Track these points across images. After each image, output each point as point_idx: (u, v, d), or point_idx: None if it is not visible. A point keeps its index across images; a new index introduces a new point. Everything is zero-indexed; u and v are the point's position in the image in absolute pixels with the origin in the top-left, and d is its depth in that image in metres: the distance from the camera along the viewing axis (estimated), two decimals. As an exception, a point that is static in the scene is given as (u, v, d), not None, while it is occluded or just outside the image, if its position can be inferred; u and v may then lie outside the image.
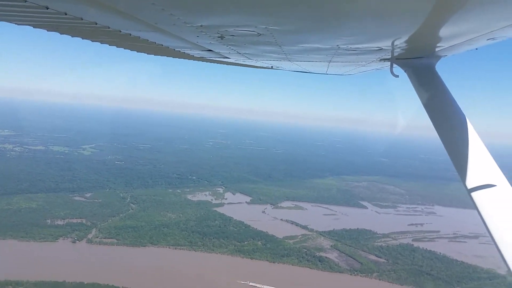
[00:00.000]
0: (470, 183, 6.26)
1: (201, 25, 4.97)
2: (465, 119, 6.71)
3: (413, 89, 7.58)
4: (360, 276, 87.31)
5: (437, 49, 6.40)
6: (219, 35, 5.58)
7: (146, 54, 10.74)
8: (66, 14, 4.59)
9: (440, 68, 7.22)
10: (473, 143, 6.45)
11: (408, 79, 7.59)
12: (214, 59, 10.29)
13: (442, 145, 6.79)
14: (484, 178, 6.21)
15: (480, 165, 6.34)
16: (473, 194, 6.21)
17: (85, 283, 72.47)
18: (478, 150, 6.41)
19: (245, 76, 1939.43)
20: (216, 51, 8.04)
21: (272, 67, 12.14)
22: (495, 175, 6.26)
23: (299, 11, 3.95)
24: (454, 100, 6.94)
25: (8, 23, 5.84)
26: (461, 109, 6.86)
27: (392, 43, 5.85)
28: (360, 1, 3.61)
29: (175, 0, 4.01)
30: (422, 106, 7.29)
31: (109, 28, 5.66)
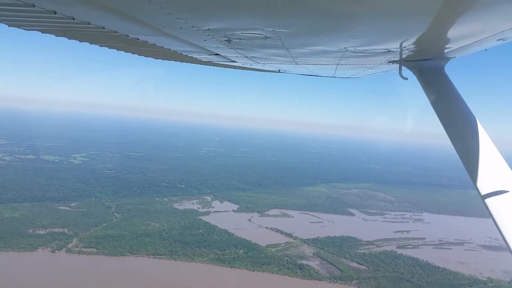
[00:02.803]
0: (483, 188, 6.18)
1: (208, 29, 5.00)
2: (476, 121, 6.65)
3: (419, 92, 7.53)
4: (339, 283, 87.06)
5: (446, 51, 6.35)
6: (226, 38, 5.63)
7: (153, 58, 10.73)
8: (74, 18, 4.65)
9: (449, 69, 7.21)
10: (485, 146, 6.37)
11: (417, 82, 7.56)
12: (221, 63, 10.32)
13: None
14: (498, 183, 6.11)
15: (493, 170, 6.24)
16: (487, 200, 6.13)
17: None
18: (490, 154, 6.33)
19: (244, 83, 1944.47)
20: (223, 55, 8.07)
21: (279, 70, 12.13)
22: (509, 179, 6.16)
23: (307, 14, 3.97)
24: (464, 102, 6.89)
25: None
26: (472, 111, 6.81)
27: (401, 45, 5.83)
28: (368, 2, 3.60)
29: (182, 4, 4.00)
30: (428, 109, 7.23)
31: (116, 32, 5.72)
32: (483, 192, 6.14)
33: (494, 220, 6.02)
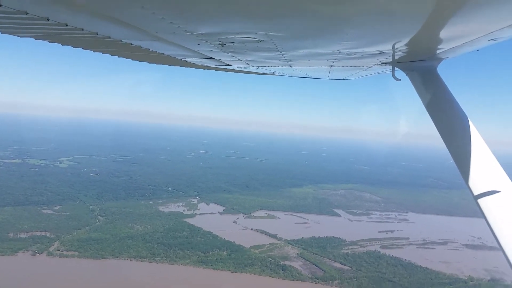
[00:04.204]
0: (476, 188, 6.20)
1: (201, 33, 5.00)
2: (468, 121, 6.68)
3: (412, 93, 7.55)
4: (321, 283, 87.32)
5: (438, 51, 6.37)
6: (220, 42, 5.63)
7: (147, 63, 10.62)
8: (67, 25, 4.62)
9: (442, 70, 7.24)
10: (477, 146, 6.41)
11: (410, 83, 7.61)
12: (215, 66, 10.31)
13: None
14: (490, 183, 6.13)
15: (486, 170, 6.27)
16: (479, 200, 6.13)
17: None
18: (482, 153, 6.37)
19: (235, 86, 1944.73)
20: (217, 58, 8.09)
21: (273, 73, 12.13)
22: (501, 178, 6.19)
23: (299, 17, 3.96)
24: (457, 102, 6.93)
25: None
26: (464, 111, 6.85)
27: (393, 47, 5.85)
28: (359, 5, 3.61)
29: (174, 9, 3.98)
30: (421, 110, 7.25)
31: (110, 38, 5.68)
32: (475, 192, 6.19)
33: (487, 220, 6.03)
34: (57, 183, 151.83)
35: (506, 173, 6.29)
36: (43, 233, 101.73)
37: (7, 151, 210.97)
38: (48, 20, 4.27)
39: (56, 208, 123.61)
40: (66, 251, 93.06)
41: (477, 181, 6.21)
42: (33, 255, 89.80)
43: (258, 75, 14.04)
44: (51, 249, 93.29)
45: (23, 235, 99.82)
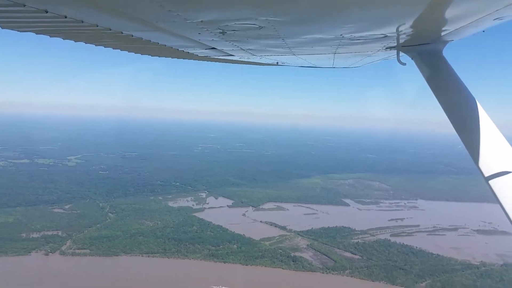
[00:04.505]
0: (486, 169, 6.14)
1: (201, 21, 4.96)
2: (476, 103, 6.62)
3: (419, 77, 7.45)
4: (332, 274, 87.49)
5: (443, 34, 6.29)
6: (220, 30, 5.58)
7: (150, 56, 10.60)
8: (66, 17, 4.60)
9: (448, 53, 7.15)
10: (486, 128, 6.36)
11: (415, 67, 7.52)
12: (218, 57, 10.22)
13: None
14: (501, 164, 6.08)
15: (496, 151, 6.23)
16: (490, 181, 6.08)
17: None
18: (492, 135, 6.33)
19: (240, 78, 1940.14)
20: (219, 48, 8.01)
21: (277, 63, 11.97)
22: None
23: (299, 0, 3.92)
24: (464, 85, 6.86)
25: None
26: (471, 93, 6.79)
27: (397, 30, 5.75)
28: None
29: None
30: (427, 95, 7.22)
31: (110, 29, 5.65)
32: (486, 174, 6.12)
33: (499, 201, 5.97)
34: (66, 182, 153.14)
35: None
36: (55, 232, 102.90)
37: (16, 151, 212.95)
38: (47, 12, 4.22)
39: (67, 206, 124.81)
40: (78, 249, 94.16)
41: (488, 163, 6.13)
42: (46, 254, 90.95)
43: (262, 66, 13.86)
44: (63, 248, 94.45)
45: (35, 235, 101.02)
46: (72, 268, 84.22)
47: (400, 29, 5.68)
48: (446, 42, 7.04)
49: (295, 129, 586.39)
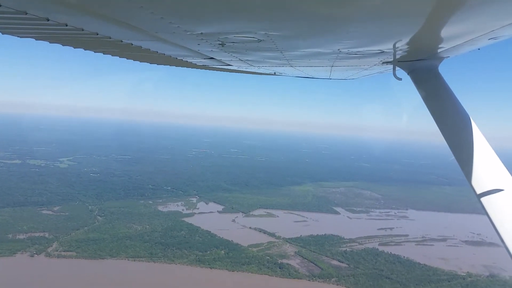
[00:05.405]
0: (479, 186, 6.16)
1: (201, 33, 4.98)
2: (470, 120, 6.65)
3: (413, 92, 7.51)
4: (318, 281, 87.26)
5: (439, 50, 6.36)
6: (220, 42, 5.61)
7: (149, 63, 10.57)
8: (67, 25, 4.64)
9: (443, 69, 7.25)
10: (479, 144, 6.39)
11: (411, 82, 7.56)
12: (216, 67, 10.23)
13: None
14: (493, 181, 6.09)
15: (488, 168, 6.24)
16: (482, 199, 6.09)
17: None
18: (484, 152, 6.34)
19: (237, 85, 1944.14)
20: (218, 58, 8.04)
21: (275, 73, 12.06)
22: (503, 177, 6.16)
23: (298, 16, 3.96)
24: (458, 101, 6.89)
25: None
26: (466, 110, 6.83)
27: (394, 46, 5.84)
28: (359, 4, 3.59)
29: (173, 8, 3.98)
30: (422, 109, 7.22)
31: (110, 38, 5.68)
32: (478, 191, 6.14)
33: (490, 218, 5.99)
34: (57, 184, 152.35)
35: (509, 171, 6.27)
36: (41, 234, 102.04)
37: (8, 151, 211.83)
38: (48, 20, 4.27)
39: (56, 208, 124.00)
40: (64, 251, 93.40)
41: (480, 180, 6.17)
42: (31, 256, 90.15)
43: (260, 75, 13.96)
44: (49, 249, 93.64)
45: (21, 236, 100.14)
46: (57, 271, 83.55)
47: (396, 45, 5.78)
48: (442, 59, 7.16)
49: (290, 137, 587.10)
